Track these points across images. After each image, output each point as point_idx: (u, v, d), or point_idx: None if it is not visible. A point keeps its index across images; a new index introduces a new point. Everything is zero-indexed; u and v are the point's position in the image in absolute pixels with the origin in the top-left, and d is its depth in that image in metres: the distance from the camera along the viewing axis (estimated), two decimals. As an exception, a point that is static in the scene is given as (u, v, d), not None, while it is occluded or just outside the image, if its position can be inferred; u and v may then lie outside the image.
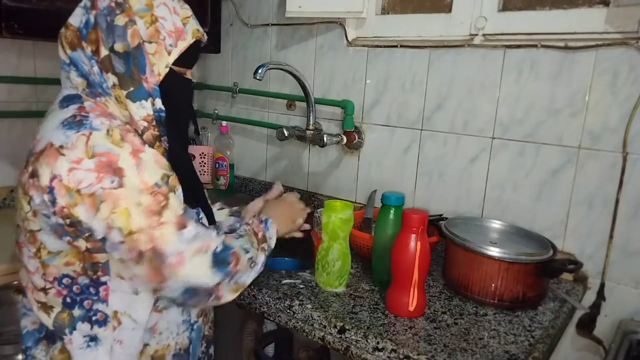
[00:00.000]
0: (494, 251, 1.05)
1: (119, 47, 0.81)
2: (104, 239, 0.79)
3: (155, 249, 0.79)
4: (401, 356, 0.88)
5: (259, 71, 1.37)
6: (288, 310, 1.04)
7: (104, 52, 0.81)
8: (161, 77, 0.85)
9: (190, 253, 0.82)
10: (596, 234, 1.20)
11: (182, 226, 0.83)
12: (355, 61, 1.57)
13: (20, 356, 0.90)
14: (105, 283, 0.84)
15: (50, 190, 0.76)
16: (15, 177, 1.65)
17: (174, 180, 0.85)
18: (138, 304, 0.86)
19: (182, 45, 0.86)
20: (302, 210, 1.17)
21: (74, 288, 0.83)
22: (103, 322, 0.85)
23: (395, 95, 1.50)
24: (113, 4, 0.82)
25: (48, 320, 0.85)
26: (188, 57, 0.88)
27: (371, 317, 0.99)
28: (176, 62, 0.87)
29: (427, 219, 0.98)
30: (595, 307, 1.20)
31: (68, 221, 0.77)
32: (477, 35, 1.33)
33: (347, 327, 0.95)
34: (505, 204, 1.33)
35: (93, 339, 0.85)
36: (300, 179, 1.78)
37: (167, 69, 0.86)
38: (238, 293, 0.92)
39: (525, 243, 1.12)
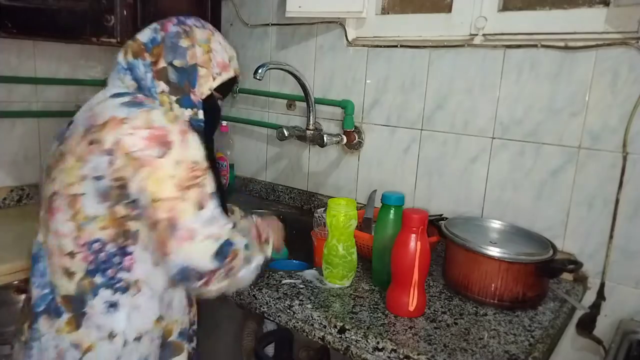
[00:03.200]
0: (494, 251, 1.05)
1: (177, 62, 0.98)
2: (136, 201, 0.87)
3: (171, 219, 0.86)
4: (401, 356, 0.88)
5: (259, 71, 1.37)
6: (288, 310, 1.04)
7: (162, 64, 0.97)
8: (203, 97, 1.01)
9: (203, 235, 0.88)
10: (596, 234, 1.20)
11: (201, 207, 0.89)
12: (355, 61, 1.57)
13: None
14: (131, 253, 0.90)
15: (111, 152, 0.85)
16: (16, 177, 1.64)
17: (208, 167, 0.93)
18: (157, 274, 0.93)
19: (225, 76, 1.03)
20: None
21: (101, 255, 0.89)
22: (125, 289, 0.91)
23: (395, 95, 1.50)
24: (180, 30, 0.99)
25: (70, 286, 0.89)
26: (225, 87, 1.06)
27: (371, 317, 0.99)
28: (216, 89, 1.03)
29: (427, 219, 0.99)
30: (595, 307, 1.21)
31: (118, 183, 0.86)
32: (477, 35, 1.33)
33: (347, 327, 0.95)
34: (505, 204, 1.33)
35: (113, 304, 0.91)
36: (301, 179, 1.78)
37: (209, 92, 1.01)
38: (224, 288, 0.95)
39: (525, 243, 1.12)
